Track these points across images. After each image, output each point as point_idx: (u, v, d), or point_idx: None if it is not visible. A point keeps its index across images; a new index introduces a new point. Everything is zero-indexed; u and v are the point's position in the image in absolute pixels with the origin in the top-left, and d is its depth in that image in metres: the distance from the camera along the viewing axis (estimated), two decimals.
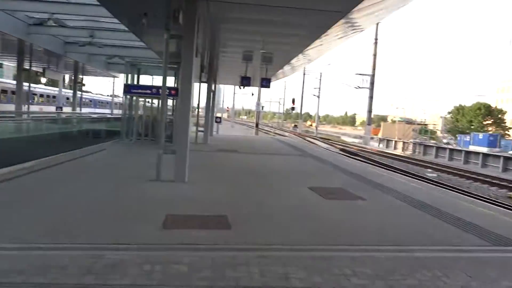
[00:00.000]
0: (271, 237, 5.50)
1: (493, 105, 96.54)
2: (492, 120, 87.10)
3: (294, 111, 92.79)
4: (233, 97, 68.86)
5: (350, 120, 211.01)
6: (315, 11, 10.16)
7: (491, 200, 13.11)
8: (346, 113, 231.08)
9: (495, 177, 20.85)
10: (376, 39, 44.32)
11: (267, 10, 10.03)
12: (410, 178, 14.05)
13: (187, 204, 7.26)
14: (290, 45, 15.03)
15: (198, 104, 22.96)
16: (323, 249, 5.09)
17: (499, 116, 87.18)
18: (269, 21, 11.70)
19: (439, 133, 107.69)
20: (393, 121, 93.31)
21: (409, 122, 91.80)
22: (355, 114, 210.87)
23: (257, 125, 37.58)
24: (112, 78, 50.65)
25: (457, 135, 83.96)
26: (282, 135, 52.88)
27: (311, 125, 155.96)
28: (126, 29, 15.71)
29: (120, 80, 43.80)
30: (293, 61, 20.88)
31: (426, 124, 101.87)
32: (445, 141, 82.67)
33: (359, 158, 25.08)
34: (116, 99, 57.44)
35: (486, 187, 17.69)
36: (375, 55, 44.76)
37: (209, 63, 21.42)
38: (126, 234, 5.27)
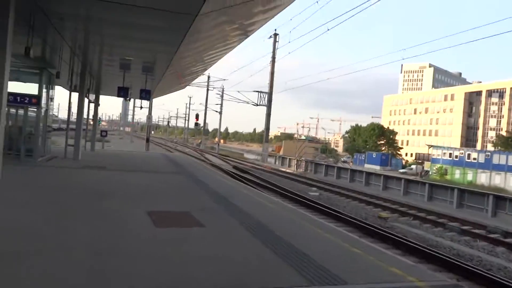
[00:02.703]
0: None
1: (386, 126, 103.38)
2: (384, 140, 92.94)
3: (203, 127, 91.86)
4: (133, 110, 65.59)
5: (258, 138, 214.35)
6: (168, 13, 9.15)
7: (356, 220, 12.79)
8: (254, 130, 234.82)
9: (374, 195, 21.20)
10: (273, 57, 44.75)
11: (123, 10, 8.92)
12: (278, 200, 13.39)
13: None
14: (157, 51, 13.87)
15: (68, 116, 20.84)
16: None
17: (391, 136, 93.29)
18: (131, 24, 10.54)
19: (340, 152, 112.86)
20: (295, 139, 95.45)
21: (312, 140, 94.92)
22: (263, 131, 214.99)
23: (147, 140, 35.69)
24: None
25: (354, 154, 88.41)
26: (181, 151, 51.34)
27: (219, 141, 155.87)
28: None
29: None
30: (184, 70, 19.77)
31: (327, 143, 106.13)
32: (342, 159, 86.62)
33: (247, 176, 24.41)
34: None
35: (362, 206, 17.70)
36: (272, 73, 45.17)
37: (81, 71, 19.59)
38: None
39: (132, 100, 55.80)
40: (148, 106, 37.63)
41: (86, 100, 25.27)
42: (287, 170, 35.67)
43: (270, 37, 45.98)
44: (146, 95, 20.89)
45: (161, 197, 10.51)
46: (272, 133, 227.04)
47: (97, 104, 27.95)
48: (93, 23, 11.20)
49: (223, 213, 8.77)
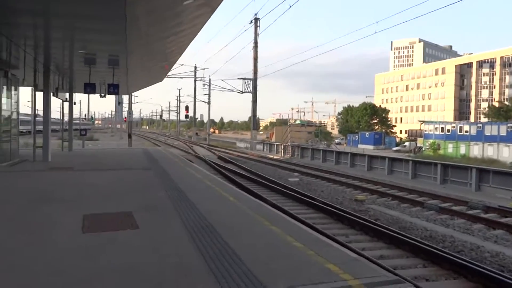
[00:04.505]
0: None
1: (382, 106, 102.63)
2: (377, 119, 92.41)
3: (193, 119, 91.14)
4: (116, 106, 64.53)
5: (256, 126, 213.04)
6: None
7: (328, 206, 12.14)
8: (249, 118, 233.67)
9: (357, 177, 20.62)
10: (255, 42, 43.83)
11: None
12: (242, 191, 12.73)
13: None
14: (107, 43, 13.11)
15: (34, 115, 20.07)
16: None
17: (383, 115, 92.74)
18: (72, 14, 9.81)
19: (335, 133, 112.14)
20: (290, 124, 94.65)
21: (308, 125, 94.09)
22: (258, 119, 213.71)
23: (129, 135, 34.89)
24: None
25: (347, 135, 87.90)
26: (170, 144, 50.76)
27: (213, 132, 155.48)
28: None
29: None
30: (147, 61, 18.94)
31: (320, 126, 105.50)
32: (336, 141, 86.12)
33: (229, 166, 23.77)
34: None
35: (342, 189, 17.09)
36: (255, 58, 44.29)
37: (44, 70, 18.79)
38: None
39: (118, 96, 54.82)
40: (127, 101, 36.75)
41: (58, 100, 24.64)
42: (274, 157, 35.03)
43: (251, 22, 45.05)
44: (115, 89, 20.05)
45: (112, 196, 9.84)
46: (268, 120, 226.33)
47: (71, 103, 27.16)
48: (33, 17, 10.43)
49: (170, 211, 8.12)
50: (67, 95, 26.02)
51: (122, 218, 7.49)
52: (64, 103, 26.37)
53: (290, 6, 24.04)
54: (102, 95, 22.96)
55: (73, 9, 9.31)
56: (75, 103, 29.25)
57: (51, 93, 20.43)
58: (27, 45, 14.00)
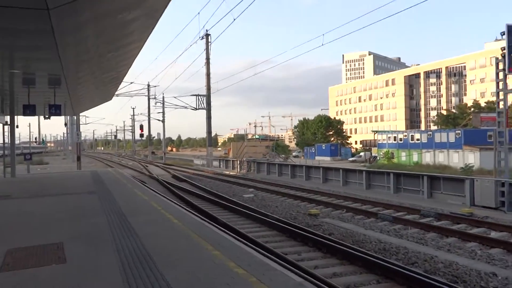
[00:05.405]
0: None
1: (336, 117, 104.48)
2: (333, 131, 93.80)
3: (148, 137, 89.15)
4: (66, 129, 62.16)
5: (212, 142, 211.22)
6: (18, 10, 7.75)
7: (281, 222, 11.72)
8: None
9: (312, 190, 20.42)
10: (207, 58, 43.47)
11: None
12: (188, 212, 12.14)
13: None
14: (41, 60, 12.28)
15: None
16: None
17: (338, 126, 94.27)
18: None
19: (293, 147, 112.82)
20: (246, 139, 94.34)
21: (264, 139, 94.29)
22: (216, 135, 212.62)
23: (78, 158, 33.41)
24: None
25: (303, 148, 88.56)
26: (125, 165, 49.25)
27: (171, 150, 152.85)
28: None
29: None
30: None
31: (277, 140, 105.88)
32: (293, 154, 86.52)
33: (182, 185, 23.03)
34: None
35: (296, 204, 16.77)
36: (208, 75, 43.84)
37: None
38: None
39: (68, 117, 52.84)
40: (73, 122, 35.34)
41: None
42: (230, 173, 34.47)
43: (202, 38, 44.67)
44: (57, 110, 19.10)
45: (46, 226, 9.02)
46: (226, 135, 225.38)
47: (13, 126, 25.69)
48: None
49: (106, 239, 7.44)
50: (8, 117, 24.68)
51: (50, 250, 6.76)
52: (6, 126, 24.99)
53: (234, 19, 23.80)
54: (46, 116, 21.81)
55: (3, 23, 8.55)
56: (17, 126, 27.74)
57: None
58: None
